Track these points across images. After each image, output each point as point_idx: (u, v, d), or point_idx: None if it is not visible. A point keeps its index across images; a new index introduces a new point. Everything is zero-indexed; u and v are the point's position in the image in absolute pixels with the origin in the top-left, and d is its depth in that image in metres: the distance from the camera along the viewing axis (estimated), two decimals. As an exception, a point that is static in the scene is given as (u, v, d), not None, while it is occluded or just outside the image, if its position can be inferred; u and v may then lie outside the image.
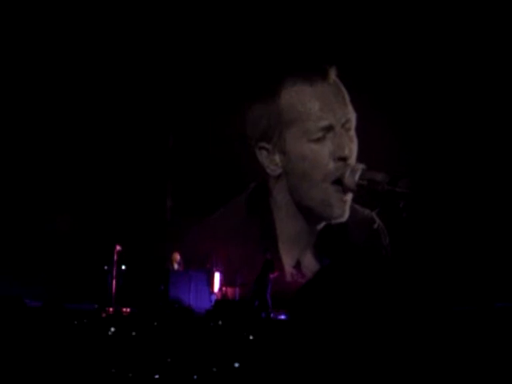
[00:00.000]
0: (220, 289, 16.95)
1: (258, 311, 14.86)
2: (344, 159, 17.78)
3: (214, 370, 7.69)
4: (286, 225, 18.37)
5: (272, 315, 15.05)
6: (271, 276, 15.92)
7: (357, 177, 17.83)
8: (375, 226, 17.85)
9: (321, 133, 17.85)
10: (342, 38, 17.83)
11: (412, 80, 17.71)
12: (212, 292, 16.58)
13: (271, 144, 18.22)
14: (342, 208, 17.93)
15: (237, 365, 8.21)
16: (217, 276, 17.03)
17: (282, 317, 14.62)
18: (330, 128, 17.83)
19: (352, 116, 17.91)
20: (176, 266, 16.81)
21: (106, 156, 18.52)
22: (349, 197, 17.91)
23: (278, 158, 18.22)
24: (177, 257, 16.92)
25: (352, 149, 17.86)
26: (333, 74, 18.02)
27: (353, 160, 17.84)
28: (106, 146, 18.54)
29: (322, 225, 18.18)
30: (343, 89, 18.05)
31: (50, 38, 18.32)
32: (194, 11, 18.56)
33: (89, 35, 18.34)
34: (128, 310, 14.99)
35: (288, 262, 17.92)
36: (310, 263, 18.07)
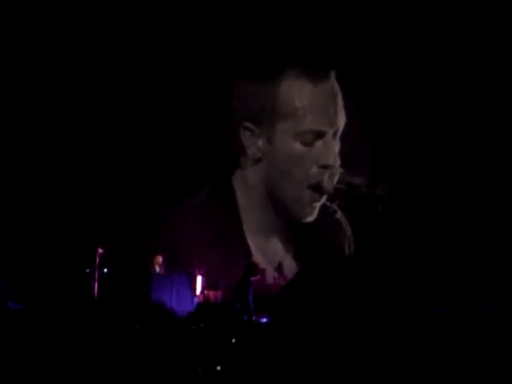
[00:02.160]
0: (202, 292, 16.92)
1: (240, 314, 14.84)
2: (327, 167, 17.84)
3: (199, 371, 7.68)
4: (252, 212, 18.37)
5: (254, 318, 15.04)
6: (253, 279, 15.91)
7: (335, 180, 17.94)
8: (337, 216, 17.99)
9: (312, 136, 17.87)
10: (343, 43, 17.87)
11: (393, 84, 17.80)
12: (194, 295, 16.55)
13: (258, 127, 18.11)
14: (312, 211, 18.06)
15: (219, 368, 8.20)
16: (199, 279, 17.00)
17: (264, 319, 14.61)
18: (321, 134, 17.85)
19: (343, 123, 17.96)
20: (158, 269, 16.77)
21: (86, 159, 18.44)
22: (322, 200, 18.02)
23: (261, 143, 18.16)
24: (159, 259, 16.89)
25: (336, 157, 17.92)
26: (333, 78, 18.01)
27: (335, 168, 17.92)
28: (85, 150, 18.46)
29: (287, 217, 18.27)
30: (340, 94, 18.04)
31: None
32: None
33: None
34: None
35: (253, 250, 17.87)
36: (275, 252, 18.17)
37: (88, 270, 16.46)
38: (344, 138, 17.96)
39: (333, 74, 18.03)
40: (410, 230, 17.16)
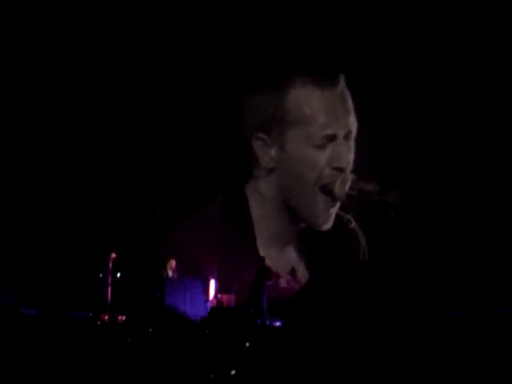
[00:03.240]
0: (215, 296, 16.91)
1: (254, 318, 14.81)
2: (340, 169, 17.85)
3: (212, 376, 7.67)
4: (267, 223, 18.38)
5: (268, 322, 15.02)
6: (267, 283, 15.89)
7: (347, 187, 17.93)
8: (352, 225, 17.98)
9: (323, 140, 17.88)
10: (350, 48, 17.88)
11: (406, 90, 17.79)
12: (207, 299, 16.54)
13: (269, 136, 18.16)
14: (327, 217, 18.03)
15: (233, 372, 8.18)
16: (212, 283, 16.99)
17: (278, 323, 14.59)
18: (333, 137, 17.85)
19: (354, 126, 17.95)
20: (171, 273, 16.76)
21: (101, 165, 18.47)
22: (336, 207, 18.00)
23: (273, 152, 18.21)
24: (172, 264, 16.87)
25: (349, 160, 17.93)
26: (342, 82, 18.02)
27: (348, 171, 17.91)
28: (101, 156, 18.49)
29: (303, 225, 18.24)
30: (350, 98, 18.05)
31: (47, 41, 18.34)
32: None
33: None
34: (123, 317, 14.93)
35: (267, 260, 17.85)
36: (288, 261, 18.16)
37: (101, 275, 16.49)
38: (356, 144, 17.95)
39: (342, 79, 18.06)
40: (422, 235, 17.14)
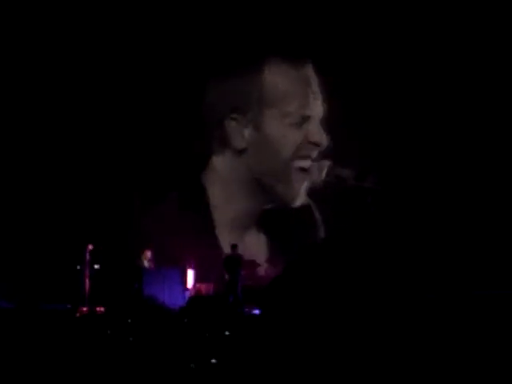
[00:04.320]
0: (193, 285, 16.94)
1: (233, 307, 14.85)
2: (316, 144, 18.05)
3: (192, 366, 7.68)
4: (230, 205, 18.46)
5: (246, 310, 15.05)
6: (240, 271, 15.95)
7: (324, 174, 18.06)
8: (315, 215, 18.20)
9: (300, 119, 18.08)
10: (323, 31, 17.90)
11: (385, 75, 17.83)
12: (186, 289, 16.56)
13: (244, 117, 18.28)
14: (299, 191, 18.24)
15: (214, 361, 8.19)
16: (190, 273, 17.02)
17: (256, 311, 14.62)
18: (309, 117, 18.08)
19: (325, 109, 18.17)
20: (146, 264, 16.76)
21: (76, 156, 18.41)
22: (306, 184, 18.21)
23: (247, 132, 18.35)
24: (148, 254, 16.87)
25: (324, 138, 18.08)
26: (312, 66, 18.23)
27: (323, 148, 18.05)
28: (75, 146, 18.43)
29: (270, 206, 18.39)
30: (319, 81, 18.26)
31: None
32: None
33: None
34: (102, 309, 14.92)
35: (226, 246, 17.87)
36: (252, 244, 18.24)
37: (79, 267, 16.46)
38: (331, 131, 18.07)
39: (310, 63, 18.27)
40: (399, 220, 17.23)
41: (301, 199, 18.28)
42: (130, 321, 10.33)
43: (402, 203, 17.42)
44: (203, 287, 17.09)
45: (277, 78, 18.30)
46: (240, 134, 18.32)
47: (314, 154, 18.08)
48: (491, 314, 8.22)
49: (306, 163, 18.14)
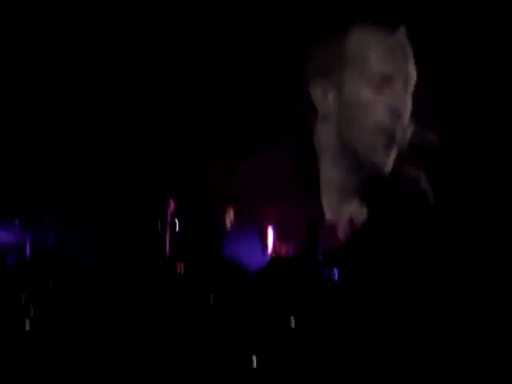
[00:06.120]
0: (274, 245, 16.91)
1: (312, 270, 14.78)
2: (398, 113, 17.86)
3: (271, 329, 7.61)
4: (330, 172, 18.48)
5: (326, 273, 14.96)
6: (320, 233, 15.84)
7: (408, 135, 17.93)
8: (422, 185, 17.99)
9: (380, 80, 17.93)
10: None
11: (473, 45, 17.54)
12: (266, 248, 16.54)
13: (327, 81, 18.25)
14: (387, 157, 18.05)
15: (293, 324, 8.18)
16: (270, 232, 16.97)
17: (335, 276, 14.51)
18: (390, 79, 17.85)
19: (413, 76, 17.98)
20: (228, 222, 16.75)
21: (160, 109, 18.55)
22: (395, 150, 18.09)
23: (331, 96, 18.24)
24: (230, 212, 16.86)
25: (407, 106, 17.89)
26: (404, 32, 18.10)
27: (406, 117, 17.93)
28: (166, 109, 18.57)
29: (363, 175, 18.29)
30: (410, 49, 18.13)
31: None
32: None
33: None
34: (182, 266, 15.01)
35: (329, 213, 17.87)
36: (347, 212, 18.20)
37: (159, 223, 16.55)
38: (416, 97, 17.95)
39: (403, 29, 18.08)
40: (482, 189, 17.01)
41: (387, 167, 18.14)
42: (209, 280, 10.34)
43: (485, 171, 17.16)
44: (283, 247, 17.05)
45: (362, 38, 18.15)
46: (325, 97, 18.29)
47: (397, 123, 17.96)
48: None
49: (389, 135, 18.06)
